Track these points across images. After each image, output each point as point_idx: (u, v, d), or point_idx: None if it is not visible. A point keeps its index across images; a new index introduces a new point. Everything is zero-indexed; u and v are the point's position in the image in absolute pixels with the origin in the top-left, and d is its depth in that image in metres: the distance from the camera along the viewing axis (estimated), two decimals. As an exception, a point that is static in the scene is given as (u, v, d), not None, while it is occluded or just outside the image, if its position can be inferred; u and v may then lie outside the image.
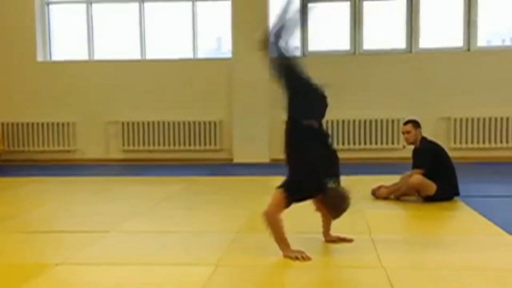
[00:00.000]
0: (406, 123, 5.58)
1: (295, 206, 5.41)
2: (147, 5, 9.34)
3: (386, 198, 5.51)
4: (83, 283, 3.27)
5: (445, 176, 5.35)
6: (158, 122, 9.12)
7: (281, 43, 3.78)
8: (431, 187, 5.28)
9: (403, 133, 5.58)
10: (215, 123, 9.00)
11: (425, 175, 5.29)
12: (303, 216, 4.89)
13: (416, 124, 5.52)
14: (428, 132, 8.68)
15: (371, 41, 8.97)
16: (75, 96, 9.27)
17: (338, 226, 4.53)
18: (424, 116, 8.71)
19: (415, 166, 5.42)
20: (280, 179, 6.47)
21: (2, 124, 9.35)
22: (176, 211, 5.24)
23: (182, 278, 3.34)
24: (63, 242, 4.17)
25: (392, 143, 8.77)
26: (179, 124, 9.10)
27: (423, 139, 5.52)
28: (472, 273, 3.32)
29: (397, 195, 5.50)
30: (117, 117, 9.17)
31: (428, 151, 5.43)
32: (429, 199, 5.31)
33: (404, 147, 8.71)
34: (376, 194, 5.58)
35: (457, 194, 5.41)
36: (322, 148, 3.77)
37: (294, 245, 3.72)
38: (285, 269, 3.44)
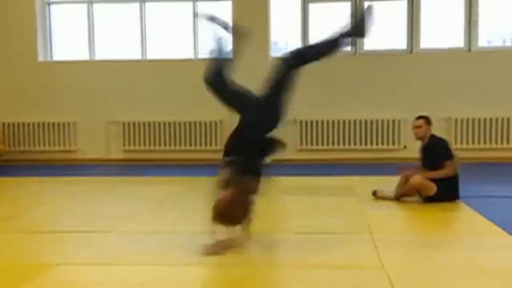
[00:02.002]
0: (418, 118, 5.56)
1: (295, 207, 5.42)
2: (148, 5, 9.35)
3: (384, 198, 5.50)
4: (83, 283, 3.27)
5: (448, 176, 5.34)
6: (159, 122, 9.12)
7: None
8: (431, 188, 5.27)
9: (414, 127, 5.54)
10: (215, 123, 9.00)
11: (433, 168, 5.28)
12: (303, 217, 4.90)
13: (428, 120, 5.52)
14: (428, 132, 8.74)
15: (372, 41, 8.96)
16: (76, 96, 9.27)
17: (339, 227, 4.53)
18: (424, 117, 8.77)
19: (436, 162, 5.34)
20: (280, 179, 6.51)
21: (3, 124, 9.35)
22: (176, 212, 5.23)
23: (182, 278, 3.34)
24: (64, 242, 4.17)
25: (393, 143, 8.77)
26: (179, 124, 9.10)
27: (432, 136, 5.51)
28: (473, 273, 3.32)
29: (397, 195, 5.49)
30: (118, 117, 9.18)
31: (445, 144, 5.45)
32: (429, 199, 5.30)
33: (405, 147, 8.73)
34: (377, 195, 5.58)
35: (457, 197, 5.40)
36: None
37: (293, 246, 3.74)
38: (285, 269, 3.44)
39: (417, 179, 5.31)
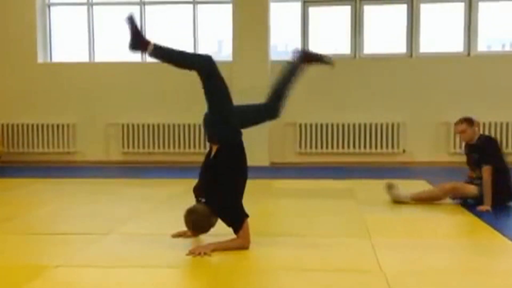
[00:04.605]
0: (459, 122, 5.35)
1: (294, 210, 5.42)
2: (148, 7, 9.36)
3: (400, 201, 5.43)
4: (83, 285, 3.26)
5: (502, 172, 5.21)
6: (158, 124, 9.12)
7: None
8: (469, 187, 5.23)
9: (458, 132, 5.39)
10: (215, 126, 8.98)
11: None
12: (302, 220, 4.90)
13: (470, 122, 5.32)
14: (428, 136, 8.77)
15: (372, 45, 8.99)
16: (75, 98, 9.28)
17: (337, 230, 4.54)
18: (424, 121, 8.78)
19: (483, 162, 5.18)
20: (280, 182, 6.52)
21: (2, 126, 9.35)
22: (176, 213, 5.21)
23: (182, 279, 3.34)
24: (63, 243, 4.16)
25: (392, 147, 8.77)
26: (179, 126, 9.11)
27: (481, 136, 5.41)
28: (473, 277, 3.32)
29: (417, 198, 5.38)
30: (117, 119, 9.18)
31: (491, 145, 5.30)
32: (475, 201, 5.21)
33: (404, 151, 8.74)
34: (392, 193, 5.46)
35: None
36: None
37: (291, 248, 3.73)
38: (284, 272, 3.44)
39: (451, 183, 5.28)
